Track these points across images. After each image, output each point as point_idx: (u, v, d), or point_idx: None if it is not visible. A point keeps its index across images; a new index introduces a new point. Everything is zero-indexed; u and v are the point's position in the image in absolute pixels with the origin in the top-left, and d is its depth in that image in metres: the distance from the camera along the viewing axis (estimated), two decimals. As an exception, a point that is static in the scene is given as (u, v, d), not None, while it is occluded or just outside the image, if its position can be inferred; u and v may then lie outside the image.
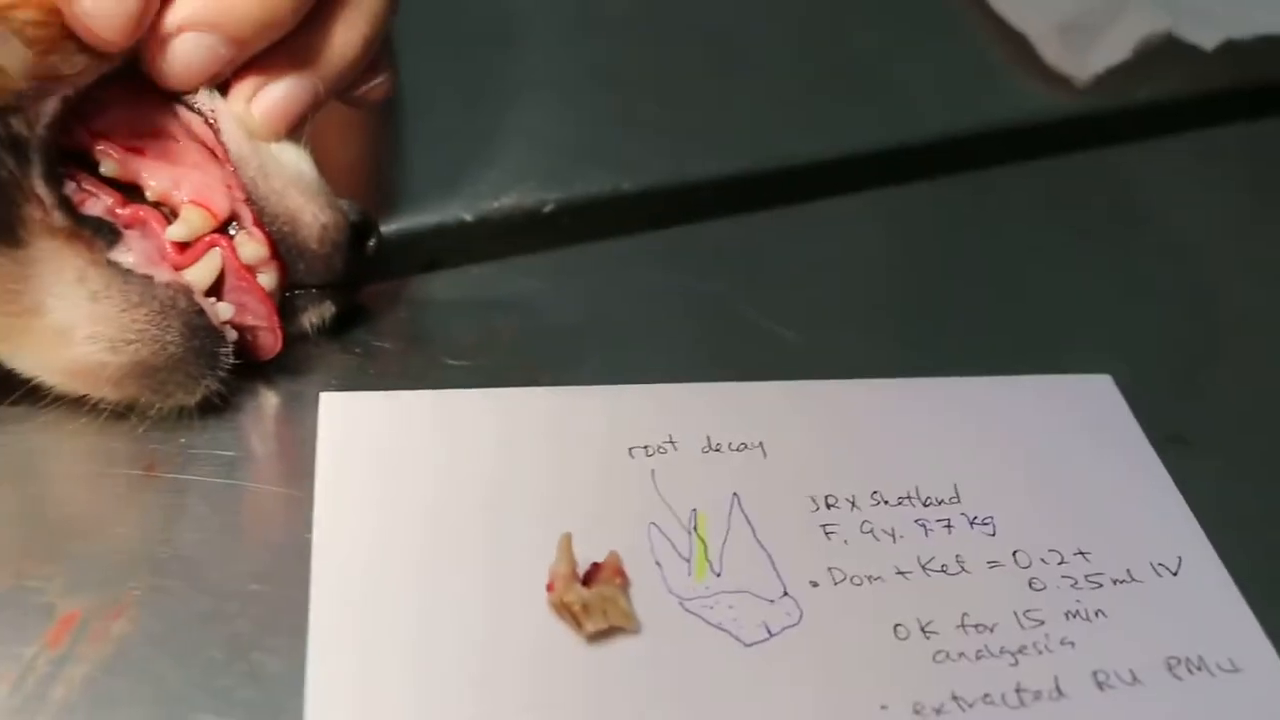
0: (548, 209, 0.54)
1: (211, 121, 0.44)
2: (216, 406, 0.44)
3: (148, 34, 0.43)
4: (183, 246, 0.44)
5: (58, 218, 0.41)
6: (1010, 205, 0.59)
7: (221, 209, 0.44)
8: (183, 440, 0.44)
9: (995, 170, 0.60)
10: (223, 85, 0.45)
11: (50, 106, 0.42)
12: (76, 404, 0.43)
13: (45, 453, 0.43)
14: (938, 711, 0.39)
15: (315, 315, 0.46)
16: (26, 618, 0.39)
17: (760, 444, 0.45)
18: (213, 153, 0.45)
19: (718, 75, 0.61)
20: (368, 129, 0.52)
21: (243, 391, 0.45)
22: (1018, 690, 0.40)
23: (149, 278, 0.42)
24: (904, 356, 0.51)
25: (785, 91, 0.61)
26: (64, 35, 0.42)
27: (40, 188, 0.41)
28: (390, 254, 0.49)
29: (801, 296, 0.53)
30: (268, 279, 0.44)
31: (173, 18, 0.43)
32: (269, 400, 0.46)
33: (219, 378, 0.43)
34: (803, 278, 0.54)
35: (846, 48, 0.64)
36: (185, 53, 0.43)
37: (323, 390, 0.46)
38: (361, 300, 0.48)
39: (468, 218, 0.53)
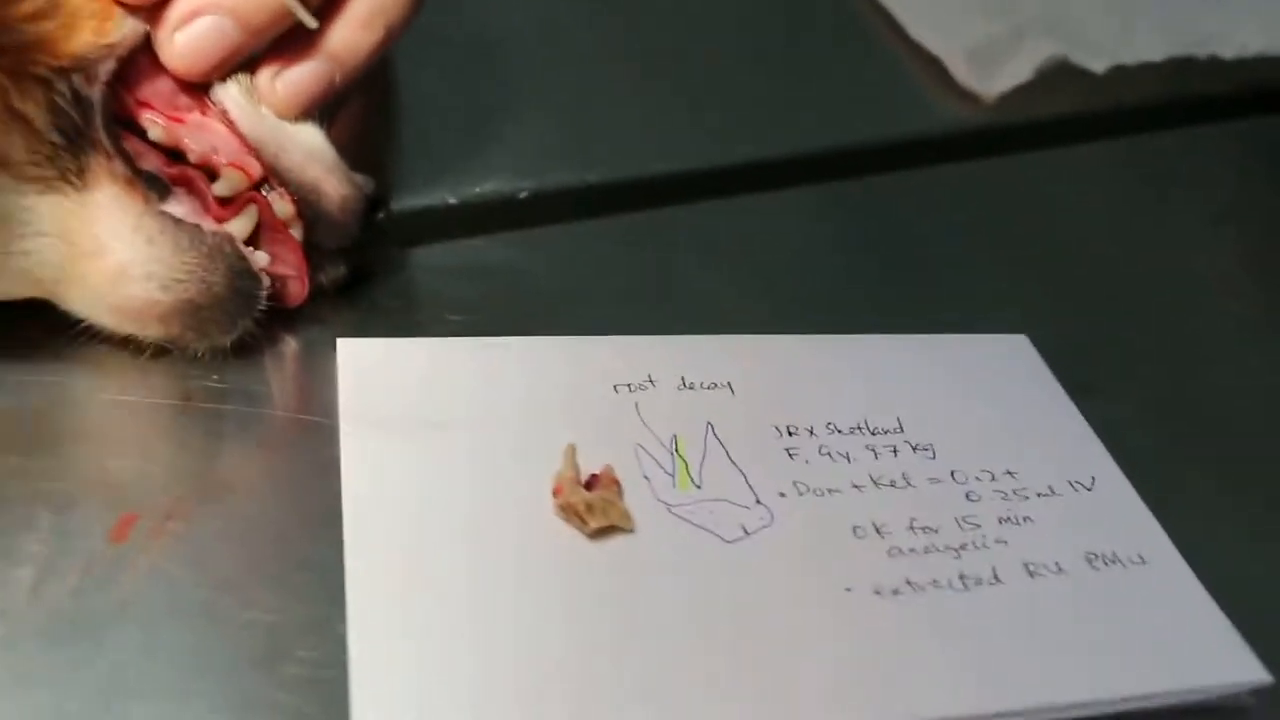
0: (522, 195, 0.60)
1: (225, 108, 0.49)
2: (246, 348, 0.49)
3: (161, 16, 0.47)
4: (223, 202, 0.49)
5: (119, 165, 0.46)
6: (931, 202, 0.66)
7: (255, 170, 0.49)
8: (215, 377, 0.49)
9: (916, 172, 0.67)
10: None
11: (107, 67, 0.47)
12: (121, 344, 0.48)
13: (91, 386, 0.48)
14: (895, 593, 0.45)
15: (330, 273, 0.52)
16: (86, 520, 0.43)
17: (729, 384, 0.52)
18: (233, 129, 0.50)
19: (671, 82, 0.68)
20: (364, 116, 0.57)
21: (267, 337, 0.50)
22: (961, 577, 0.46)
23: (197, 226, 0.47)
24: (845, 323, 0.57)
25: (729, 97, 0.68)
26: (112, 4, 0.47)
27: (103, 137, 0.46)
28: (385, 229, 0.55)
29: (752, 271, 0.59)
30: (297, 234, 0.50)
31: (187, 2, 0.47)
32: (291, 345, 0.51)
33: (254, 319, 0.49)
34: (753, 256, 0.60)
35: (781, 60, 0.72)
36: (197, 36, 0.48)
37: (338, 337, 0.51)
38: (367, 264, 0.54)
39: (452, 200, 0.59)
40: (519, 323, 0.53)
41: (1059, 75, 0.72)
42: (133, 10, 0.48)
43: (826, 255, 0.61)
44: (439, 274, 0.56)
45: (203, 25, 0.48)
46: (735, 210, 0.63)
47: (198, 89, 0.50)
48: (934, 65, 0.72)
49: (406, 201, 0.58)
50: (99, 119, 0.47)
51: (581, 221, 0.60)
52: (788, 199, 0.64)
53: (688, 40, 0.71)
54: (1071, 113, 0.72)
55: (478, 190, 0.60)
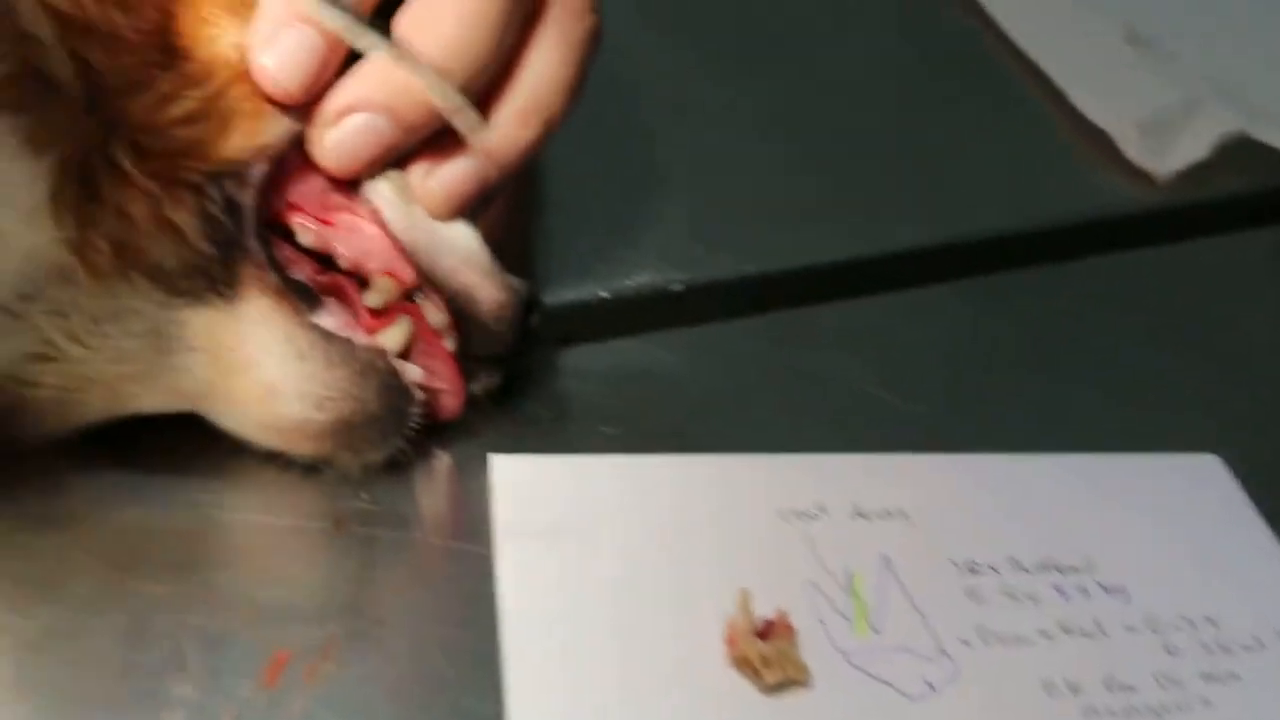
0: (675, 288, 0.57)
1: (377, 208, 0.47)
2: (396, 464, 0.47)
3: (313, 114, 0.45)
4: (375, 312, 0.47)
5: (270, 276, 0.44)
6: (1100, 294, 0.62)
7: (408, 276, 0.47)
8: (365, 496, 0.46)
9: (1084, 261, 0.63)
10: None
11: (259, 171, 0.45)
12: (269, 458, 0.46)
13: (238, 505, 0.46)
14: (1094, 763, 0.42)
15: (482, 382, 0.49)
16: (238, 659, 0.41)
17: (904, 511, 0.48)
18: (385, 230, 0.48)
19: (821, 164, 0.64)
20: (510, 208, 0.55)
21: (418, 452, 0.48)
22: (1164, 745, 0.42)
23: (349, 340, 0.45)
24: (1013, 433, 0.53)
25: (882, 179, 0.64)
26: (268, 105, 0.45)
27: (255, 245, 0.44)
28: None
29: (911, 373, 0.56)
30: (450, 345, 0.47)
31: (343, 95, 0.45)
32: (442, 460, 0.48)
33: (405, 436, 0.46)
34: (911, 356, 0.57)
35: (937, 134, 0.68)
36: (351, 133, 0.45)
37: (490, 451, 0.48)
38: (519, 370, 0.51)
39: (603, 294, 0.56)
40: (674, 435, 0.51)
41: (1239, 151, 0.68)
42: (286, 109, 0.46)
43: (990, 355, 0.58)
44: (590, 378, 0.53)
45: (356, 123, 0.46)
46: (891, 306, 0.59)
47: (348, 187, 0.47)
48: (1102, 140, 0.68)
49: (554, 295, 0.55)
50: (251, 226, 0.45)
51: (735, 320, 0.57)
52: (945, 292, 0.61)
53: (839, 114, 0.67)
54: (1254, 192, 0.67)
55: (628, 283, 0.57)
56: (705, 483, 0.48)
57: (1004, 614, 0.46)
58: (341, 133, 0.45)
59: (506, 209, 0.54)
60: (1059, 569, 0.47)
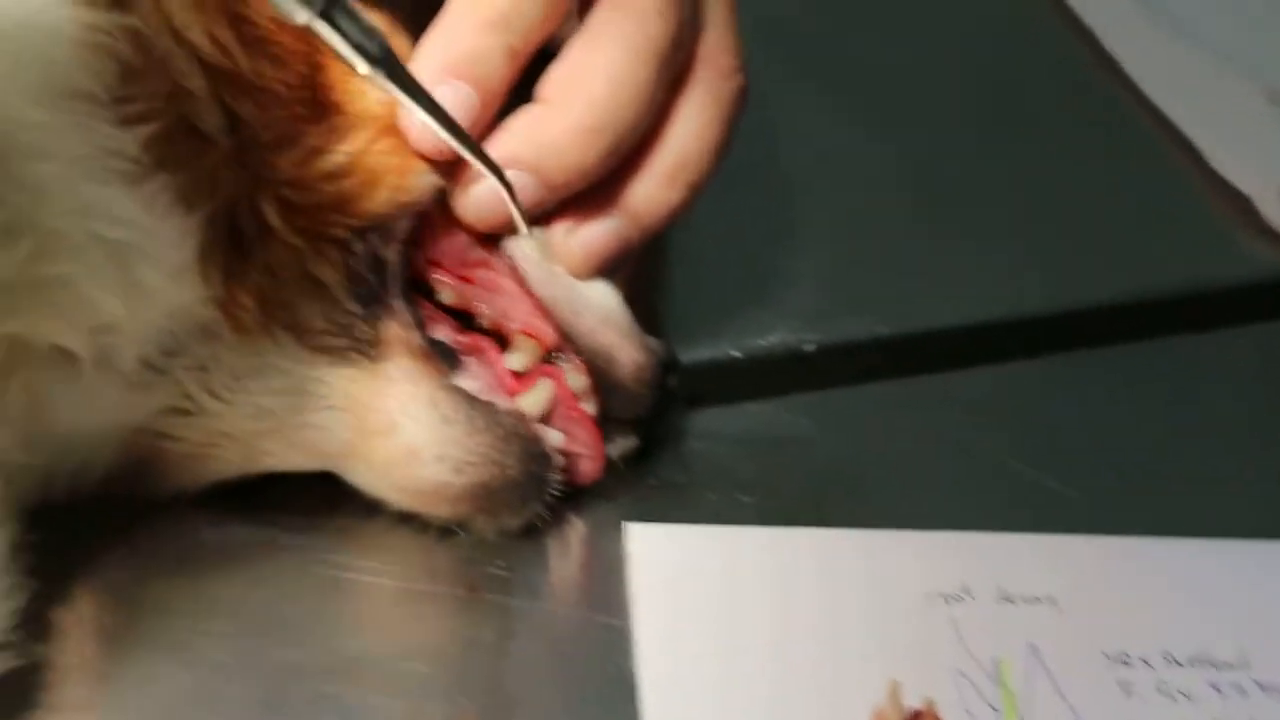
0: (808, 348, 0.56)
1: (517, 265, 0.46)
2: (531, 529, 0.46)
3: (459, 170, 0.44)
4: (516, 374, 0.46)
5: (415, 336, 0.43)
6: (1244, 365, 0.60)
7: (549, 337, 0.46)
8: (501, 563, 0.45)
9: (1228, 330, 0.61)
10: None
11: (404, 225, 0.44)
12: (401, 520, 0.45)
13: (373, 569, 0.45)
14: None
15: (620, 445, 0.48)
16: (376, 730, 0.40)
17: (1052, 597, 0.47)
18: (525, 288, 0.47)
19: (959, 224, 0.63)
20: (644, 267, 0.54)
21: (550, 516, 0.46)
22: None
23: (491, 404, 0.44)
24: (1159, 510, 0.52)
25: (1015, 240, 0.63)
26: (414, 159, 0.44)
27: (400, 304, 0.43)
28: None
29: (1052, 445, 0.54)
30: (590, 408, 0.46)
31: (491, 151, 0.44)
32: (577, 526, 0.47)
33: (544, 502, 0.45)
34: (1051, 427, 0.55)
35: (1072, 195, 0.66)
36: (495, 190, 0.44)
37: (623, 518, 0.47)
38: (655, 433, 0.50)
39: (736, 354, 0.55)
40: (812, 503, 0.49)
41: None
42: (432, 164, 0.45)
43: (1136, 428, 0.56)
44: (724, 443, 0.52)
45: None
46: (1029, 372, 0.58)
47: (489, 242, 0.47)
48: (1240, 203, 0.66)
49: (687, 355, 0.54)
50: (397, 283, 0.44)
51: (868, 384, 0.56)
52: (1084, 359, 0.59)
53: (978, 171, 0.65)
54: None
55: (761, 343, 0.56)
56: (849, 559, 0.47)
57: (1158, 712, 0.44)
58: (486, 189, 0.45)
59: (640, 265, 0.53)
60: (1214, 664, 0.45)
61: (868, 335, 0.57)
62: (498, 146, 0.45)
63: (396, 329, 0.44)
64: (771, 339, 0.56)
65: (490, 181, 0.44)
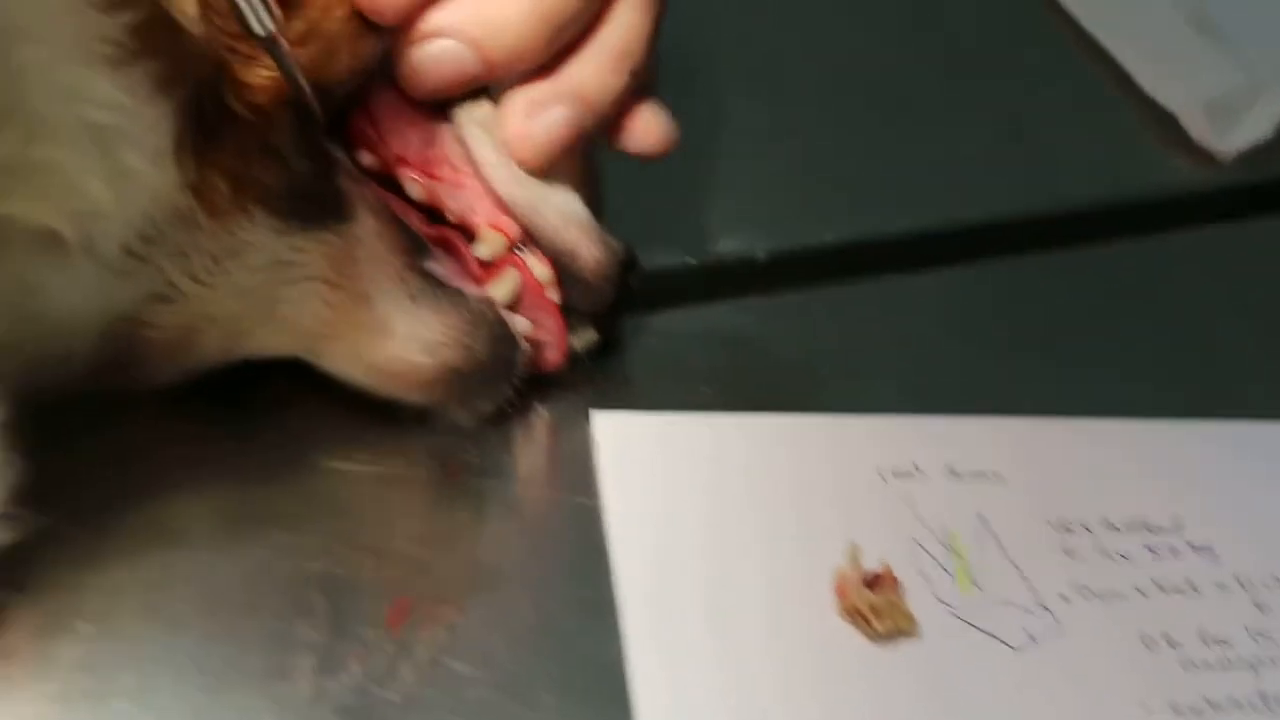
0: (760, 256, 0.58)
1: (480, 167, 0.48)
2: (500, 418, 0.48)
3: (406, 29, 0.45)
4: (483, 264, 0.47)
5: (369, 193, 0.45)
6: (1170, 269, 0.63)
7: (513, 230, 0.48)
8: (472, 449, 0.47)
9: (1149, 238, 0.64)
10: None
11: (347, 88, 0.45)
12: (375, 409, 0.46)
13: (348, 458, 0.46)
14: (1196, 713, 0.42)
15: (582, 338, 0.50)
16: (362, 605, 0.42)
17: (998, 473, 0.49)
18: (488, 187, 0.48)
19: (908, 135, 0.65)
20: (596, 171, 0.55)
21: (518, 406, 0.48)
22: (1261, 695, 0.43)
23: (459, 289, 0.46)
24: (1097, 400, 0.54)
25: (962, 153, 0.65)
26: (362, 26, 0.45)
27: (345, 159, 0.45)
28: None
29: (1003, 340, 0.57)
30: (554, 298, 0.48)
31: (435, 19, 0.46)
32: (544, 415, 0.49)
33: (513, 387, 0.47)
34: (1000, 324, 0.58)
35: (1009, 112, 0.68)
36: (435, 55, 0.46)
37: (590, 408, 0.49)
38: (615, 329, 0.52)
39: (691, 261, 0.57)
40: (771, 395, 0.51)
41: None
42: (380, 28, 0.46)
43: (1066, 326, 0.59)
44: (683, 340, 0.54)
45: (443, 46, 0.46)
46: (970, 276, 0.60)
47: (448, 140, 0.48)
48: (1167, 121, 0.69)
49: (643, 261, 0.56)
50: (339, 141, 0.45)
51: (821, 288, 0.58)
52: (1019, 263, 0.61)
53: (919, 87, 0.68)
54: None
55: (715, 250, 0.58)
56: (808, 440, 0.49)
57: (1099, 571, 0.46)
58: (425, 54, 0.46)
59: (594, 178, 0.54)
60: (1149, 529, 0.48)
61: (817, 241, 0.59)
62: (445, 13, 0.46)
63: (353, 187, 0.45)
64: (724, 245, 0.58)
65: (432, 47, 0.46)
